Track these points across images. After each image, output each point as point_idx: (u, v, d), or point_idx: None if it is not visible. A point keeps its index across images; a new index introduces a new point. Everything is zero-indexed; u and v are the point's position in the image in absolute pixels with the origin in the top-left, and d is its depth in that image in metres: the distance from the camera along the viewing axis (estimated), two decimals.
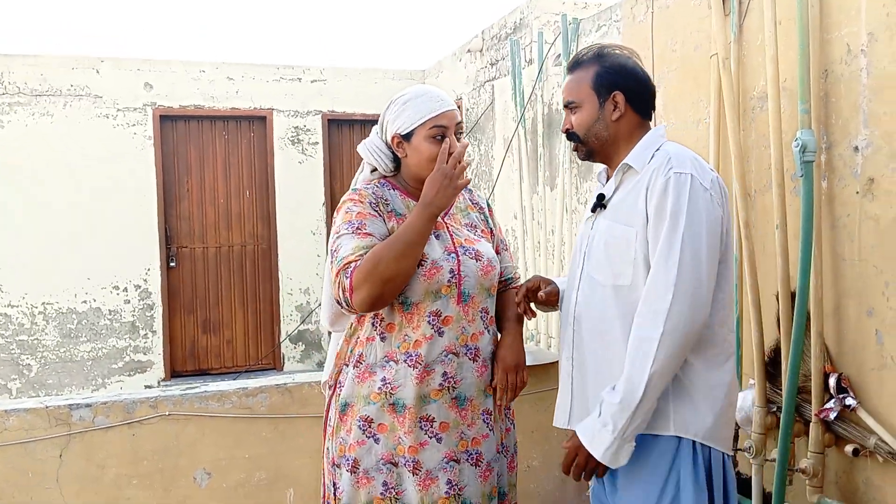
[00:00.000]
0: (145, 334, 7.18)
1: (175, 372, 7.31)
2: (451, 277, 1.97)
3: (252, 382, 2.91)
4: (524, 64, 4.96)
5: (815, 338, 2.29)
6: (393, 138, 2.00)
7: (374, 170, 2.09)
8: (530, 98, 4.68)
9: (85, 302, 7.02)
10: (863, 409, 2.20)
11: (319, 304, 7.39)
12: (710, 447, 1.78)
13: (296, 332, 7.61)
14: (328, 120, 7.69)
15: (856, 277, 2.24)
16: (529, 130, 4.76)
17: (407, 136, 1.98)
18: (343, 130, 7.84)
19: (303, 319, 7.62)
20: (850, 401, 2.21)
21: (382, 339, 1.98)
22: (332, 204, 7.64)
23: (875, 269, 2.18)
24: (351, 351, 2.03)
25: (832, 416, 2.23)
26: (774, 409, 2.45)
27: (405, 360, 1.94)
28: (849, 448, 2.21)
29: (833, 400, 2.25)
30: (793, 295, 2.36)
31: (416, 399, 1.93)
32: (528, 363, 3.01)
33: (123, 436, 2.65)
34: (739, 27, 2.66)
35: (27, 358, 6.89)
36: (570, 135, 1.98)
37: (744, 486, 2.61)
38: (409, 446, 1.93)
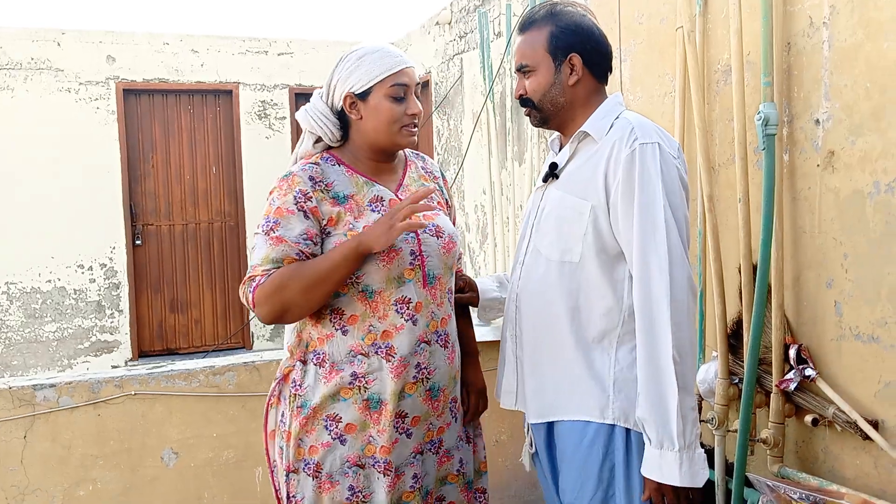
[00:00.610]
0: (111, 314, 7.11)
1: (143, 352, 7.26)
2: (413, 259, 1.81)
3: (220, 361, 2.89)
4: (493, 37, 4.93)
5: (776, 310, 2.32)
6: (345, 98, 1.80)
7: (318, 140, 1.88)
8: (499, 71, 4.65)
9: (49, 281, 6.92)
10: (822, 380, 2.23)
11: None
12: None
13: None
14: (295, 94, 7.61)
15: (815, 249, 2.27)
16: (498, 105, 4.74)
17: (362, 95, 1.79)
18: None
19: None
20: (809, 371, 2.25)
21: (344, 332, 1.80)
22: None
23: (834, 241, 2.20)
24: (306, 346, 1.85)
25: (792, 386, 2.27)
26: (736, 381, 2.48)
27: (376, 352, 1.79)
28: (808, 418, 2.25)
29: (793, 371, 2.28)
30: (754, 267, 2.38)
31: (392, 395, 1.79)
32: (494, 338, 3.04)
33: (89, 416, 2.63)
34: (705, 0, 2.66)
35: None
36: (525, 100, 1.86)
37: (707, 456, 2.65)
38: (382, 446, 1.80)
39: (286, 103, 7.59)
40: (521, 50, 1.84)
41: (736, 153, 2.44)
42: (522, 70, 1.84)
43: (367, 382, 1.79)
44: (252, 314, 2.14)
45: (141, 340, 7.27)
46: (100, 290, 7.07)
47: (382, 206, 1.82)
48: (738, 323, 2.50)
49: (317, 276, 1.72)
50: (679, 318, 1.61)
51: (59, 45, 6.89)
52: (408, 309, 1.80)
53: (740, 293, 2.47)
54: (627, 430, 1.71)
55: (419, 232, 1.83)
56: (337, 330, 1.81)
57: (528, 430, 1.96)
